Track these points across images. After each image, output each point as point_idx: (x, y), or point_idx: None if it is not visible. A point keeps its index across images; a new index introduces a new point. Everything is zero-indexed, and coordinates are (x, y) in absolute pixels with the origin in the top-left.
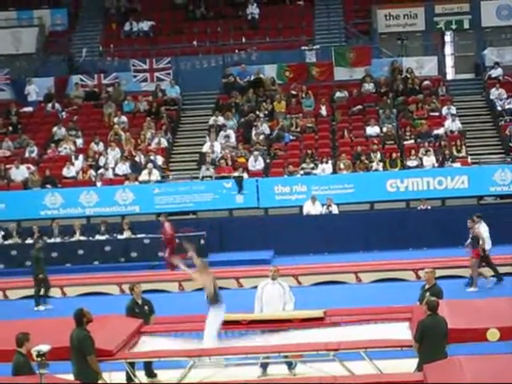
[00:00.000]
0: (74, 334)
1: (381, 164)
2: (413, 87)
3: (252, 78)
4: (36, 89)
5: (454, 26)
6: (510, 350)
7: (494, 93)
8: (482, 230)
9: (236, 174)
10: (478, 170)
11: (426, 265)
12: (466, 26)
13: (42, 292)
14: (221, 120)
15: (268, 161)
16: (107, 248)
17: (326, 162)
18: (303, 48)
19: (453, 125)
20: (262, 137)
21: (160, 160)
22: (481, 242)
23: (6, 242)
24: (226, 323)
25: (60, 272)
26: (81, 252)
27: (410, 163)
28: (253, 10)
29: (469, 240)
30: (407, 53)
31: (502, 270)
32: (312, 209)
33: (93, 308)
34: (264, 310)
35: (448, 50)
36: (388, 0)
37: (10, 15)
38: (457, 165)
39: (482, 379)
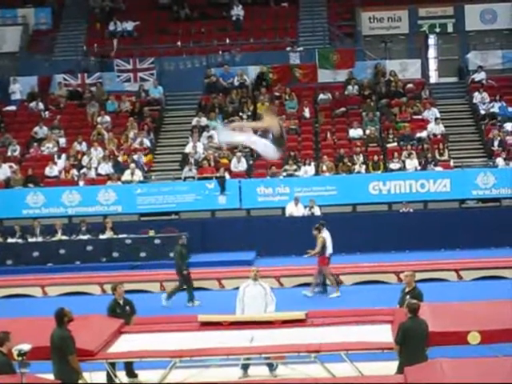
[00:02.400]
0: (55, 334)
1: (363, 166)
2: (396, 90)
3: (235, 79)
4: (20, 88)
5: (437, 30)
6: (490, 353)
7: (477, 96)
8: (326, 236)
9: (218, 174)
10: (461, 174)
11: (408, 267)
12: (450, 29)
13: (175, 289)
14: (204, 121)
15: (251, 162)
16: (89, 248)
17: (309, 164)
18: (287, 50)
19: (436, 128)
20: None
21: (144, 159)
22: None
23: None
24: (207, 324)
25: (41, 271)
26: (62, 251)
27: (392, 166)
28: (237, 11)
29: (317, 249)
30: (391, 56)
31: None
32: (295, 210)
33: (74, 308)
34: (245, 311)
35: (431, 53)
36: (372, 3)
37: None
38: (439, 168)
39: (462, 382)
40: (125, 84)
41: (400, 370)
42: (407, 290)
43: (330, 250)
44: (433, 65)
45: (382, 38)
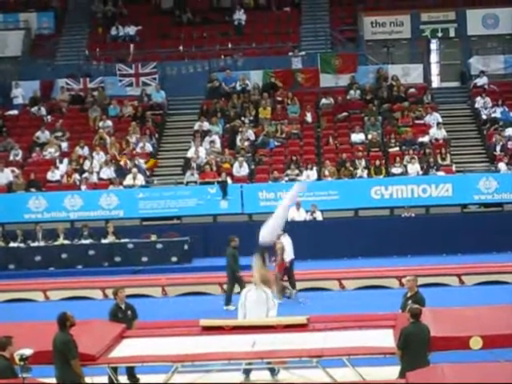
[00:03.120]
0: (57, 338)
1: (365, 171)
2: (398, 95)
3: (237, 84)
4: (23, 92)
5: (439, 34)
6: (492, 358)
7: (480, 101)
8: (286, 242)
9: (220, 179)
10: (463, 179)
11: (410, 272)
12: (452, 34)
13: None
14: (206, 125)
15: (253, 167)
16: (91, 252)
17: (311, 169)
18: (289, 54)
19: (438, 133)
20: (246, 142)
21: (144, 165)
22: (284, 255)
23: None
24: (208, 329)
25: (43, 276)
26: (64, 256)
27: (394, 170)
28: (239, 15)
29: (279, 257)
30: (393, 60)
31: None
32: (296, 215)
33: (76, 312)
34: (247, 316)
35: (434, 57)
36: (374, 7)
37: None
38: (441, 173)
39: None
40: (127, 88)
41: (402, 375)
42: (409, 294)
43: (291, 255)
44: (435, 69)
45: (384, 42)
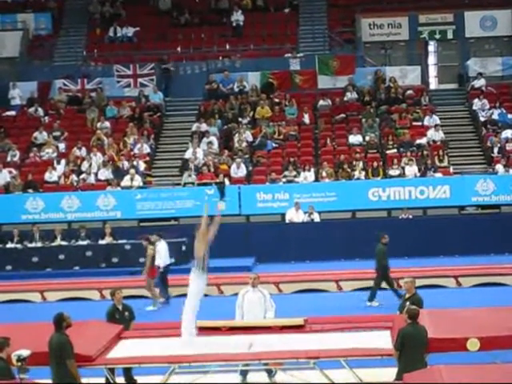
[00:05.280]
0: (53, 339)
1: (363, 173)
2: (396, 96)
3: (235, 85)
4: (20, 93)
5: (437, 36)
6: (490, 360)
7: (477, 103)
8: (161, 248)
9: (218, 180)
10: (460, 180)
11: (407, 274)
12: (450, 36)
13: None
14: (204, 126)
15: (250, 168)
16: (88, 253)
17: (309, 170)
18: (287, 56)
19: (435, 134)
20: (244, 144)
21: (142, 166)
22: (158, 262)
23: None
24: (207, 330)
25: (40, 277)
26: (62, 257)
27: (392, 172)
28: (237, 17)
29: (148, 263)
30: (391, 62)
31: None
32: (295, 216)
33: (73, 313)
34: (245, 317)
35: (431, 59)
36: (372, 9)
37: None
38: (439, 174)
39: None
40: (125, 89)
41: (399, 377)
42: (407, 296)
43: (167, 261)
44: (433, 71)
45: (382, 44)
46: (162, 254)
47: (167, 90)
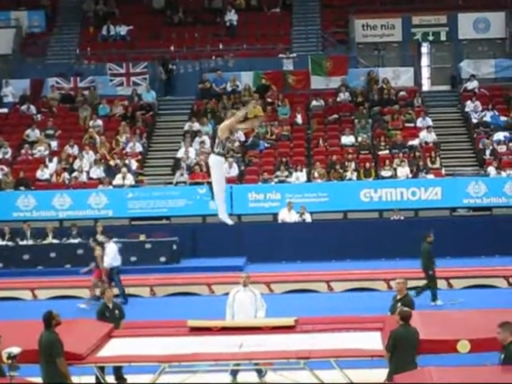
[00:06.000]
0: (43, 337)
1: (355, 173)
2: (389, 98)
3: (228, 85)
4: (13, 90)
5: (430, 38)
6: (480, 362)
7: (470, 105)
8: (110, 249)
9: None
10: (452, 182)
11: (398, 275)
12: (443, 37)
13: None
14: (196, 126)
15: (242, 168)
16: (79, 251)
17: (301, 171)
18: (280, 56)
19: (428, 136)
20: (236, 144)
21: (134, 164)
22: (105, 263)
23: None
24: (196, 330)
25: (31, 274)
26: (53, 255)
27: (384, 173)
28: (231, 16)
29: (100, 264)
30: (384, 63)
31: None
32: (287, 216)
33: (64, 311)
34: (235, 317)
35: (424, 61)
36: (366, 10)
37: None
38: (431, 176)
39: None
40: (117, 88)
41: (390, 378)
42: (399, 297)
43: (116, 262)
44: (425, 73)
45: (376, 45)
46: (110, 255)
47: (171, 90)
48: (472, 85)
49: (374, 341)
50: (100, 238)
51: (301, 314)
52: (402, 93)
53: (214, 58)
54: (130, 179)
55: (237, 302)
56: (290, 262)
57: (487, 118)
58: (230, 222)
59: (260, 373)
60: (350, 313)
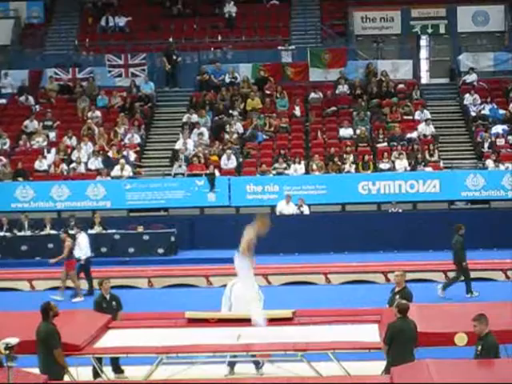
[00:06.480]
0: (41, 328)
1: (353, 166)
2: (387, 90)
3: (227, 76)
4: (12, 81)
5: (429, 31)
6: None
7: (468, 98)
8: (82, 240)
9: (208, 171)
10: (450, 175)
11: (396, 268)
12: (442, 30)
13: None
14: (195, 117)
15: (241, 160)
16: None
17: (299, 163)
18: (279, 48)
19: (426, 129)
20: (235, 135)
21: (132, 156)
22: (79, 253)
23: None
24: (194, 321)
25: (29, 265)
26: (51, 246)
27: (382, 166)
28: (230, 8)
29: (64, 254)
30: (382, 56)
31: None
32: (285, 208)
33: (61, 302)
34: (233, 309)
35: (423, 54)
36: (365, 3)
37: None
38: (429, 169)
39: (448, 382)
40: (116, 79)
41: (387, 370)
42: (397, 289)
43: (87, 253)
44: (424, 66)
45: (374, 38)
46: (82, 246)
47: (175, 80)
48: (471, 78)
49: (371, 333)
50: (73, 230)
51: (298, 306)
52: (400, 85)
53: (212, 49)
54: (128, 170)
55: (234, 294)
56: (287, 255)
57: (486, 111)
58: (263, 324)
59: (257, 364)
60: (348, 305)
